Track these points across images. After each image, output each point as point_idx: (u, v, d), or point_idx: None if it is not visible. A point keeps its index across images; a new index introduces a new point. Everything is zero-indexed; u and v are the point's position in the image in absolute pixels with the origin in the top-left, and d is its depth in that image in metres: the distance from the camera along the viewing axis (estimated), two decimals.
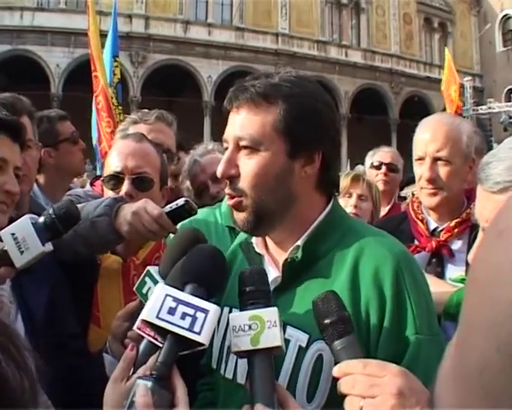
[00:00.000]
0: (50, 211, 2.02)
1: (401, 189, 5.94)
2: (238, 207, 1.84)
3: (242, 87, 1.83)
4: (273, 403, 1.47)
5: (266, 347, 1.52)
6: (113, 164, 2.63)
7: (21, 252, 1.91)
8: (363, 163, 5.71)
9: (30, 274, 1.94)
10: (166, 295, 1.51)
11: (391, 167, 5.34)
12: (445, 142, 2.92)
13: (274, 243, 1.93)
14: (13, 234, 1.92)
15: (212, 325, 1.49)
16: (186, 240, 1.88)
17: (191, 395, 1.54)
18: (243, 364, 1.78)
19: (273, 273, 1.83)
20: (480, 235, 1.69)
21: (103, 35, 7.60)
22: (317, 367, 1.68)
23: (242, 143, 1.81)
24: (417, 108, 43.60)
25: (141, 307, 1.84)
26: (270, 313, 1.55)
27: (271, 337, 1.52)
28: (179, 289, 1.55)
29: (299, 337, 1.71)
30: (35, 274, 1.96)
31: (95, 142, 6.89)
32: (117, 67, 7.46)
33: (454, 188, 2.98)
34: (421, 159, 3.00)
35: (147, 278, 1.92)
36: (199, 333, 1.46)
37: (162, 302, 1.50)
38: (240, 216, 1.84)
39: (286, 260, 1.81)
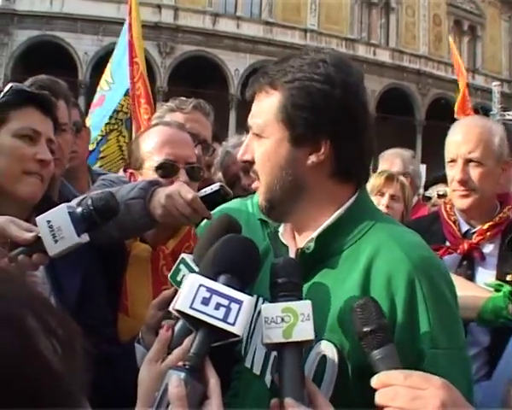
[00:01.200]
0: (89, 201, 1.99)
1: (426, 189, 5.89)
2: (257, 190, 1.87)
3: (258, 74, 1.83)
4: (303, 398, 1.45)
5: (299, 340, 1.50)
6: (163, 151, 2.59)
7: (55, 241, 1.89)
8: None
9: (64, 257, 1.93)
10: (200, 285, 1.48)
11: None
12: (477, 143, 2.91)
13: (297, 232, 1.90)
14: (48, 221, 1.90)
15: (246, 315, 1.46)
16: (222, 227, 1.85)
17: (226, 383, 1.53)
18: (260, 354, 1.79)
19: None
20: None
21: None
22: (319, 369, 1.64)
23: (252, 131, 1.83)
24: (444, 111, 43.29)
25: (176, 295, 1.83)
26: (304, 306, 1.52)
27: (304, 331, 1.49)
28: (213, 279, 1.53)
29: None
30: (69, 257, 1.94)
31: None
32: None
33: (486, 190, 2.97)
34: (453, 161, 2.99)
35: (181, 266, 1.89)
36: (233, 324, 1.43)
37: (196, 292, 1.47)
38: (259, 198, 1.86)
39: (298, 250, 1.79)
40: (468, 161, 2.92)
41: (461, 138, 2.96)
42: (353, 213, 1.77)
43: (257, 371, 1.80)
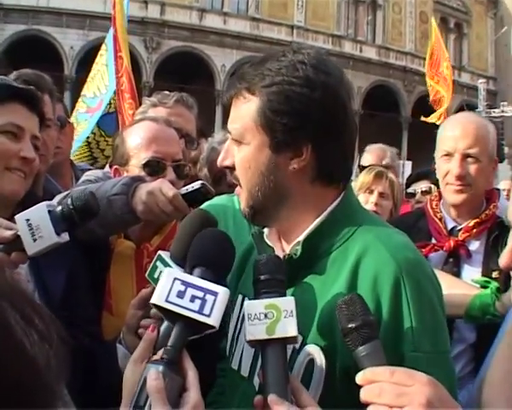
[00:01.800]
0: (69, 201, 1.95)
1: (408, 186, 5.89)
2: (240, 195, 1.84)
3: (234, 77, 1.81)
4: (286, 394, 1.44)
5: (282, 337, 1.49)
6: (150, 149, 2.56)
7: (34, 240, 1.87)
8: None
9: (48, 254, 1.91)
10: (175, 278, 1.49)
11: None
12: (476, 139, 2.93)
13: (282, 235, 1.88)
14: (27, 220, 1.88)
15: (221, 306, 1.46)
16: (197, 222, 1.83)
17: (210, 379, 1.52)
18: (248, 356, 1.77)
19: None
20: None
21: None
22: (307, 372, 1.63)
23: (231, 136, 1.79)
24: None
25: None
26: (287, 303, 1.51)
27: (288, 327, 1.48)
28: (188, 273, 1.54)
29: None
30: (53, 254, 1.92)
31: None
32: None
33: (480, 187, 3.00)
34: (448, 155, 2.99)
35: (158, 263, 1.88)
36: (209, 315, 1.43)
37: (171, 286, 1.48)
38: (242, 204, 1.83)
39: (285, 255, 1.76)
40: (465, 157, 2.93)
41: (459, 133, 2.96)
42: (339, 216, 1.75)
43: (245, 373, 1.79)
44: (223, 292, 1.48)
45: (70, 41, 40.46)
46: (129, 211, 2.31)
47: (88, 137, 6.39)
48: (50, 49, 39.57)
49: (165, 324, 1.61)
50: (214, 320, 1.44)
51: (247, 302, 1.58)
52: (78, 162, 5.66)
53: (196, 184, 2.31)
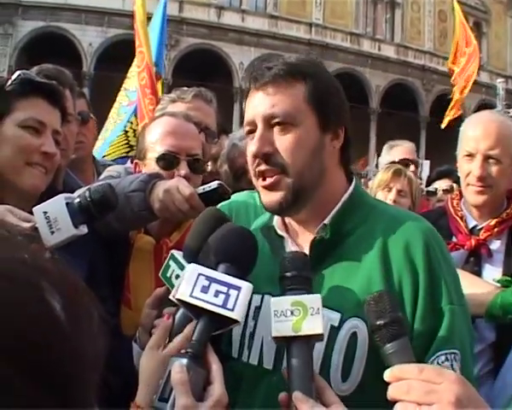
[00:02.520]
0: (87, 193, 1.97)
1: (428, 184, 5.87)
2: (276, 186, 1.80)
3: (266, 67, 1.82)
4: (311, 392, 1.45)
5: (308, 334, 1.50)
6: (165, 143, 2.58)
7: (52, 232, 1.88)
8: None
9: (68, 246, 1.90)
10: (199, 274, 1.52)
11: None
12: (497, 140, 2.90)
13: (297, 224, 1.92)
14: (45, 212, 1.89)
15: (245, 301, 1.49)
16: (210, 221, 1.87)
17: None
18: (270, 349, 1.79)
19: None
20: None
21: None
22: (351, 346, 1.67)
23: (276, 121, 1.79)
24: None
25: (168, 292, 1.84)
26: (314, 300, 1.53)
27: (314, 325, 1.50)
28: (212, 269, 1.56)
29: (330, 317, 1.69)
30: (73, 246, 1.92)
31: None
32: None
33: (501, 187, 2.98)
34: (470, 155, 2.97)
35: (171, 262, 1.91)
36: (232, 309, 1.46)
37: (195, 281, 1.50)
38: (275, 196, 1.81)
39: (314, 239, 1.81)
40: (487, 158, 2.91)
41: (480, 134, 2.94)
42: (355, 198, 1.89)
43: (268, 365, 1.80)
44: (246, 287, 1.50)
45: (89, 38, 40.67)
46: (146, 208, 2.33)
47: (125, 126, 6.45)
48: (69, 46, 39.76)
49: (181, 311, 1.66)
50: (238, 314, 1.46)
51: (273, 299, 1.59)
52: (113, 154, 5.72)
53: (213, 184, 2.32)
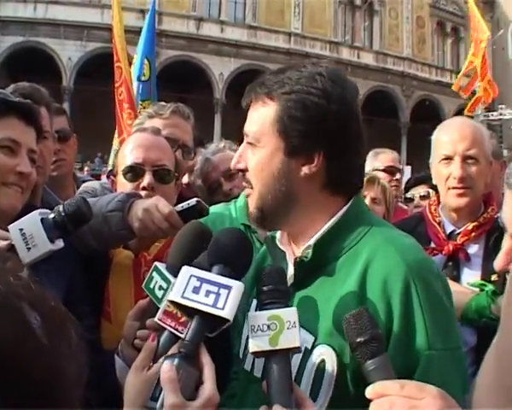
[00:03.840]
0: (60, 208, 2.00)
1: (406, 190, 5.90)
2: (249, 198, 1.88)
3: (255, 83, 1.85)
4: (291, 404, 1.45)
5: (285, 348, 1.50)
6: (132, 156, 2.62)
7: (28, 248, 1.89)
8: None
9: (48, 262, 1.91)
10: (191, 275, 1.53)
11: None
12: (474, 141, 2.96)
13: (292, 239, 1.93)
14: (21, 229, 1.91)
15: (235, 300, 1.49)
16: (192, 234, 1.89)
17: (224, 382, 1.54)
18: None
19: (291, 270, 1.82)
20: (507, 241, 1.62)
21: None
22: (319, 372, 1.66)
23: (247, 139, 1.85)
24: (428, 112, 43.54)
25: (151, 304, 1.85)
26: (290, 314, 1.53)
27: (290, 338, 1.50)
28: (206, 271, 1.57)
29: (305, 338, 1.68)
30: (53, 262, 1.93)
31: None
32: (147, 65, 7.32)
33: (480, 189, 3.02)
34: (448, 158, 3.01)
35: (154, 274, 1.91)
36: (222, 309, 1.46)
37: (187, 282, 1.52)
38: (251, 207, 1.88)
39: (296, 258, 1.80)
40: (465, 158, 2.96)
41: (457, 136, 2.99)
42: (347, 221, 1.80)
43: (258, 373, 1.81)
44: (236, 286, 1.51)
45: (67, 52, 40.54)
46: (124, 227, 2.35)
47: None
48: (48, 61, 39.63)
49: (165, 334, 1.65)
50: (228, 313, 1.47)
51: (250, 314, 1.62)
52: None
53: (192, 202, 2.33)
